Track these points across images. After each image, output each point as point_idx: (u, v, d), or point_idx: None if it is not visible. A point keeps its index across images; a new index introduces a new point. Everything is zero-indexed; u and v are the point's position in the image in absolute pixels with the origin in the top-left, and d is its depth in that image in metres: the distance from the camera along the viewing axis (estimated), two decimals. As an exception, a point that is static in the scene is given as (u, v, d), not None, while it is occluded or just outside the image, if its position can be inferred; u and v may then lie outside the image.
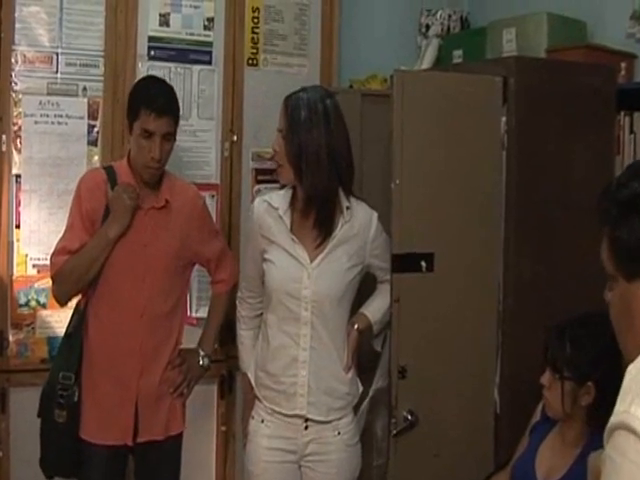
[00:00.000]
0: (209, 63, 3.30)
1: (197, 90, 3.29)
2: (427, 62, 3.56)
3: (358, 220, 2.47)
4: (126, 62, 3.11)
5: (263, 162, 3.30)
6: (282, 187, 2.45)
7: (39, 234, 2.98)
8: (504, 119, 2.67)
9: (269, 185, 3.21)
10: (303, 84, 3.21)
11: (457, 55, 3.51)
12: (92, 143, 3.00)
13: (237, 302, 2.62)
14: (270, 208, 2.45)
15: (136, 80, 2.91)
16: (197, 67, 3.28)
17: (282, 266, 2.41)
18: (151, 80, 2.73)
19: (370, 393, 2.75)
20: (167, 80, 2.85)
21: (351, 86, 3.59)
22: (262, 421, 2.48)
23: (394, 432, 2.53)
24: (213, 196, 3.21)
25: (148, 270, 2.60)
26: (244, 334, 2.62)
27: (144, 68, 3.18)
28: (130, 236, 2.56)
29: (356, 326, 2.54)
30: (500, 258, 2.70)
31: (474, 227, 2.68)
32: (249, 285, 2.58)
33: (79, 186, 2.60)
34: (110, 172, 2.62)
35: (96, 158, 3.06)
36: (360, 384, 2.57)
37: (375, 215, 2.51)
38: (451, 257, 2.64)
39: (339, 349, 2.45)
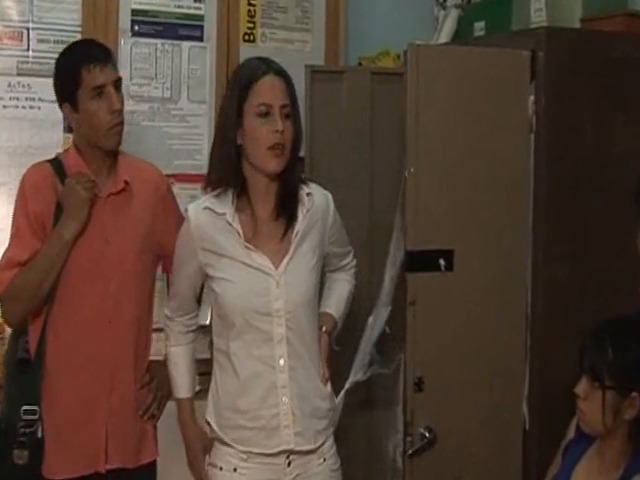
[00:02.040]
0: (200, 39, 3.29)
1: (187, 70, 3.27)
2: (445, 35, 3.56)
3: (317, 206, 2.40)
4: (106, 39, 3.07)
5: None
6: (210, 189, 2.34)
7: (8, 233, 2.89)
8: (532, 98, 2.69)
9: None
10: (306, 62, 3.28)
11: (479, 27, 3.47)
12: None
13: (165, 320, 2.53)
14: (213, 215, 2.32)
15: (118, 58, 2.93)
16: (187, 44, 3.27)
17: (242, 281, 2.31)
18: (74, 44, 2.70)
19: (346, 386, 2.78)
20: (154, 59, 2.87)
21: (360, 64, 3.60)
22: (234, 469, 2.35)
23: (410, 451, 2.54)
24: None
25: (114, 270, 2.55)
26: (176, 351, 2.52)
27: (127, 45, 3.17)
28: (89, 233, 2.51)
29: (324, 328, 2.48)
30: (528, 255, 2.72)
31: (499, 221, 2.69)
32: (182, 304, 2.50)
33: (22, 185, 2.52)
34: (57, 164, 2.55)
35: (74, 147, 2.93)
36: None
37: (330, 196, 2.45)
38: (473, 255, 2.66)
39: (314, 359, 2.40)
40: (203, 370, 2.58)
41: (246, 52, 3.26)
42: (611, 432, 2.11)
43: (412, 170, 2.58)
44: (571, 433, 2.32)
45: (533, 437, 2.68)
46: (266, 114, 2.25)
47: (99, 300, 2.54)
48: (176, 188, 3.03)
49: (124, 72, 3.00)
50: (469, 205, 2.66)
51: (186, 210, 2.37)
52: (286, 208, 2.34)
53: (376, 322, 2.88)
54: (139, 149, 2.98)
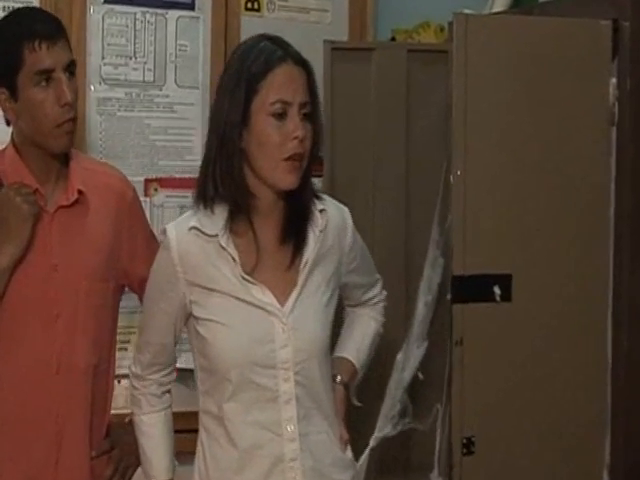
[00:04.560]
0: (191, 8, 3.20)
1: (174, 47, 3.16)
2: (501, 3, 3.45)
3: (332, 226, 2.32)
4: (72, 7, 3.00)
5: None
6: (202, 206, 2.24)
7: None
8: (614, 81, 2.68)
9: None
10: (326, 37, 3.20)
11: (545, -8, 3.38)
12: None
13: (132, 379, 2.42)
14: (202, 238, 2.22)
15: (87, 32, 2.86)
16: (174, 13, 3.18)
17: (239, 324, 2.20)
18: (15, 12, 2.59)
19: (371, 443, 2.75)
20: (132, 33, 2.84)
21: (393, 39, 3.54)
22: None
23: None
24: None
25: (63, 304, 2.45)
26: (149, 420, 2.40)
27: (97, 15, 3.07)
28: (32, 257, 2.41)
29: (339, 378, 2.38)
30: (609, 281, 2.71)
31: (570, 238, 2.68)
32: (156, 357, 2.38)
33: None
34: None
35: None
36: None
37: (347, 212, 2.36)
38: (536, 280, 2.65)
39: (329, 418, 2.31)
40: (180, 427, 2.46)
41: (249, 24, 3.23)
42: None
43: (459, 173, 2.56)
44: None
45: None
46: (282, 114, 2.15)
47: (43, 343, 2.44)
48: (161, 196, 3.02)
49: (94, 49, 2.95)
50: (531, 217, 2.65)
51: (164, 231, 2.26)
52: (295, 230, 2.25)
53: (408, 362, 2.82)
54: (113, 146, 2.97)
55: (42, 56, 2.36)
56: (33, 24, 2.41)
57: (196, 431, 2.32)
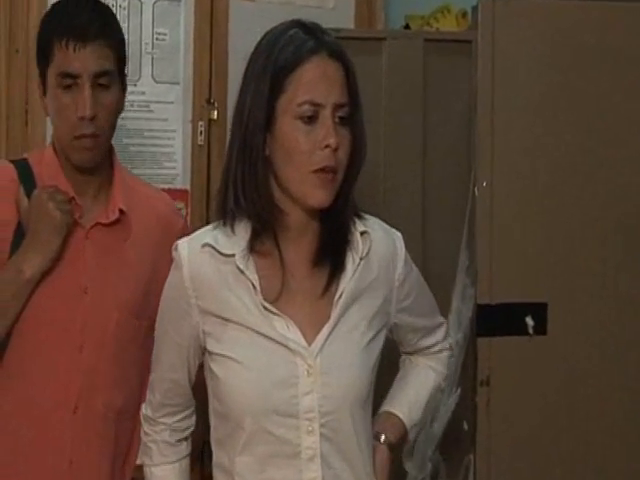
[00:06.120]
0: None
1: (151, 35, 3.15)
2: None
3: (377, 253, 2.23)
4: None
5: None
6: (224, 219, 2.20)
7: None
8: None
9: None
10: (329, 24, 3.18)
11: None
12: None
13: (143, 423, 2.38)
14: (217, 257, 2.15)
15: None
16: None
17: (256, 363, 2.12)
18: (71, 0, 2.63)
19: None
20: None
21: (407, 26, 3.55)
22: None
23: None
24: (180, 209, 3.01)
25: (87, 333, 2.42)
26: (162, 472, 2.35)
27: None
28: (60, 273, 2.40)
29: (383, 437, 2.28)
30: None
31: (616, 261, 2.66)
32: (169, 397, 2.32)
33: None
34: (23, 168, 2.49)
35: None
36: None
37: (399, 238, 2.30)
38: (575, 310, 2.64)
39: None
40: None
41: (239, 9, 3.22)
42: None
43: (485, 184, 2.58)
44: None
45: None
46: (312, 118, 2.06)
47: (62, 376, 2.42)
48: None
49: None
50: (571, 236, 2.65)
51: (176, 248, 2.21)
52: (330, 252, 2.16)
53: (437, 413, 2.74)
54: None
55: (69, 57, 2.36)
56: (70, 18, 2.40)
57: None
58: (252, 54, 2.23)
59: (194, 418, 2.36)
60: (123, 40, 2.51)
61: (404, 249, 2.27)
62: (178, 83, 3.19)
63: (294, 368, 2.11)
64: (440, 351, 2.41)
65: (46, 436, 2.44)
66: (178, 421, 2.33)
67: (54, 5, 2.54)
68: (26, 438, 2.44)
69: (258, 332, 2.12)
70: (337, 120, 2.07)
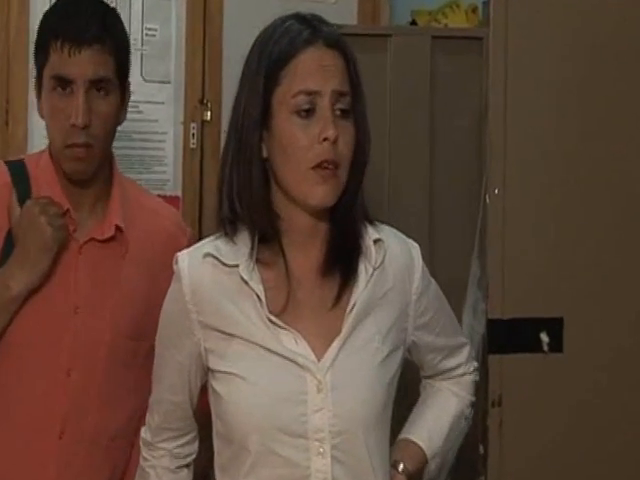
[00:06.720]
0: None
1: (140, 31, 3.16)
2: None
3: (393, 263, 2.17)
4: None
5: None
6: (224, 227, 2.17)
7: None
8: None
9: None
10: (330, 19, 3.21)
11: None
12: None
13: (142, 448, 2.31)
14: (220, 268, 2.09)
15: (31, 15, 2.93)
16: None
17: (261, 379, 2.04)
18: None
19: None
20: None
21: (414, 22, 3.57)
22: None
23: None
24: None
25: (77, 355, 2.39)
26: None
27: None
28: (50, 291, 2.37)
29: (401, 467, 2.20)
30: None
31: (636, 274, 2.65)
32: (168, 420, 2.25)
33: None
34: (18, 171, 2.45)
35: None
36: None
37: (416, 249, 2.23)
38: (593, 326, 2.62)
39: None
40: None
41: (234, 3, 3.25)
42: None
43: (497, 191, 2.55)
44: None
45: None
46: (309, 111, 2.01)
47: (48, 400, 2.38)
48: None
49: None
50: (588, 248, 2.62)
51: (176, 260, 2.16)
52: (339, 261, 2.10)
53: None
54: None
55: (63, 61, 2.33)
56: (68, 18, 2.38)
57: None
58: (249, 51, 2.17)
59: (197, 444, 2.30)
60: (126, 46, 2.48)
61: (421, 261, 2.21)
62: (169, 82, 3.22)
63: (303, 384, 2.05)
64: (463, 374, 2.35)
65: (29, 463, 2.40)
66: (179, 447, 2.27)
67: (57, 0, 2.54)
68: (8, 464, 2.41)
69: (264, 347, 2.06)
70: (338, 113, 2.02)
